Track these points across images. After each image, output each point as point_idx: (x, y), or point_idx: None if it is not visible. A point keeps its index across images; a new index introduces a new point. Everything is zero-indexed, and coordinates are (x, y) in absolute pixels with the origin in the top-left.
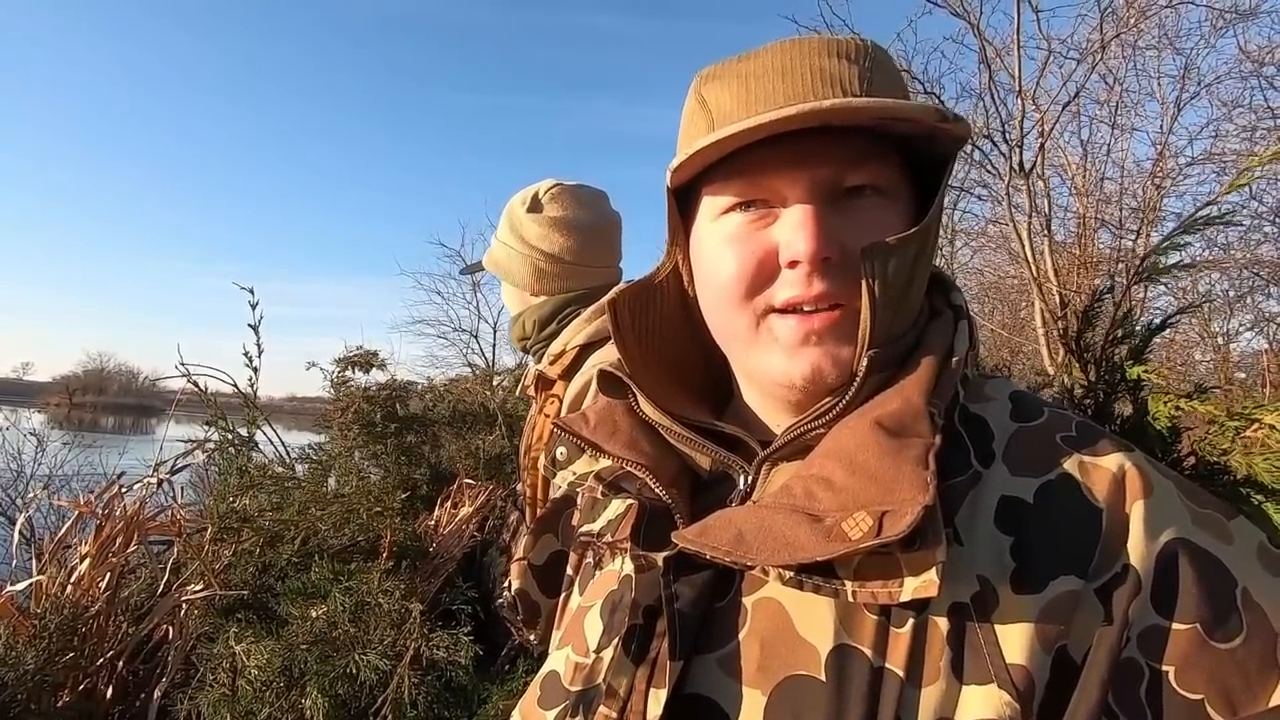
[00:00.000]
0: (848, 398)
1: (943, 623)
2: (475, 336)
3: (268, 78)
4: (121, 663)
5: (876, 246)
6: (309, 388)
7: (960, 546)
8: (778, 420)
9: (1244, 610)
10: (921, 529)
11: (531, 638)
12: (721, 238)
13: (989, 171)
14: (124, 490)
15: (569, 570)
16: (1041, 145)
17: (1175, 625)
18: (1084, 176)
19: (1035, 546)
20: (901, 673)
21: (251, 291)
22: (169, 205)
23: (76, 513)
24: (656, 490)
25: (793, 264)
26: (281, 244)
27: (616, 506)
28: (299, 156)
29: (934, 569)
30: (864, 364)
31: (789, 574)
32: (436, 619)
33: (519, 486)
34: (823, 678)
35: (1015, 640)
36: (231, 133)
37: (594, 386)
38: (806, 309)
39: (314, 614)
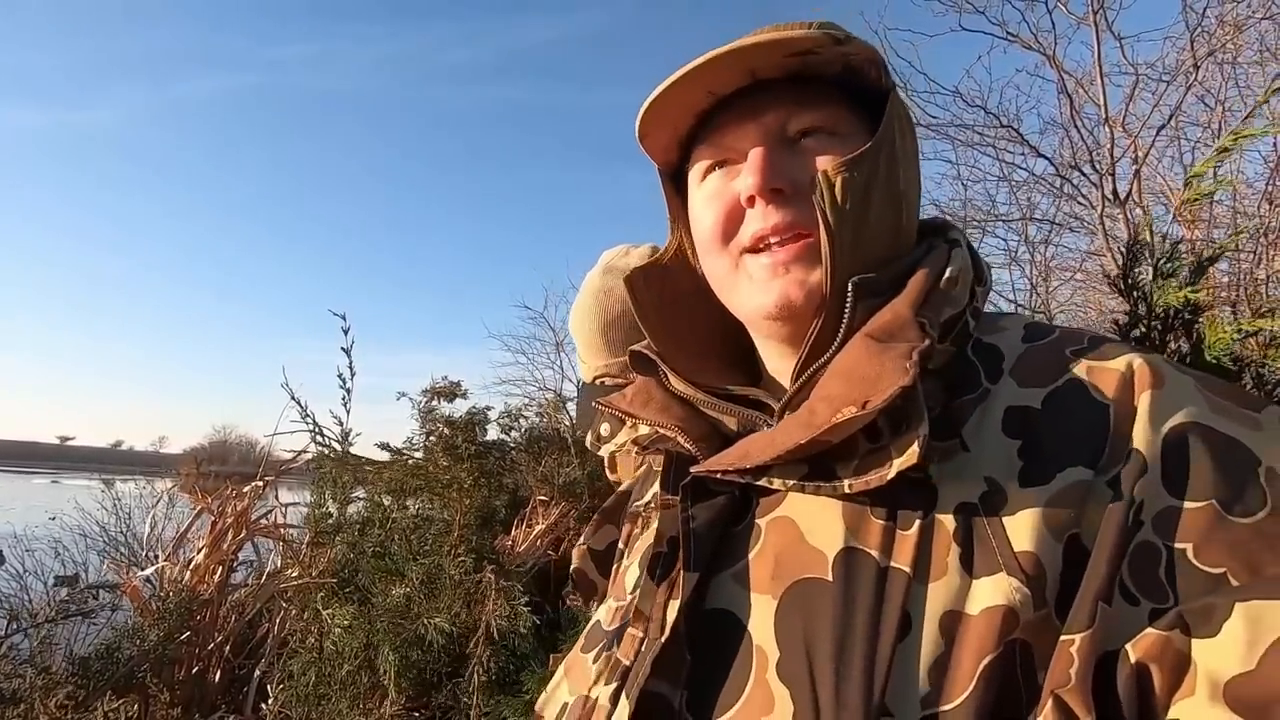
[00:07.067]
0: (844, 323)
1: (950, 521)
2: (558, 394)
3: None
4: (228, 649)
5: (824, 172)
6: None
7: (967, 453)
8: (788, 369)
9: (1269, 486)
10: (902, 409)
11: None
12: (702, 199)
13: (1080, 203)
14: (235, 494)
15: (620, 544)
16: (1137, 171)
17: (1188, 504)
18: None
19: (1043, 445)
20: (908, 570)
21: (344, 317)
22: (286, 283)
23: (197, 510)
24: (685, 444)
25: (750, 200)
26: (382, 318)
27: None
28: (402, 231)
29: (916, 442)
30: (837, 286)
31: (792, 481)
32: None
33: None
34: (830, 578)
35: (1023, 529)
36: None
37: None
38: (774, 242)
39: (394, 591)
